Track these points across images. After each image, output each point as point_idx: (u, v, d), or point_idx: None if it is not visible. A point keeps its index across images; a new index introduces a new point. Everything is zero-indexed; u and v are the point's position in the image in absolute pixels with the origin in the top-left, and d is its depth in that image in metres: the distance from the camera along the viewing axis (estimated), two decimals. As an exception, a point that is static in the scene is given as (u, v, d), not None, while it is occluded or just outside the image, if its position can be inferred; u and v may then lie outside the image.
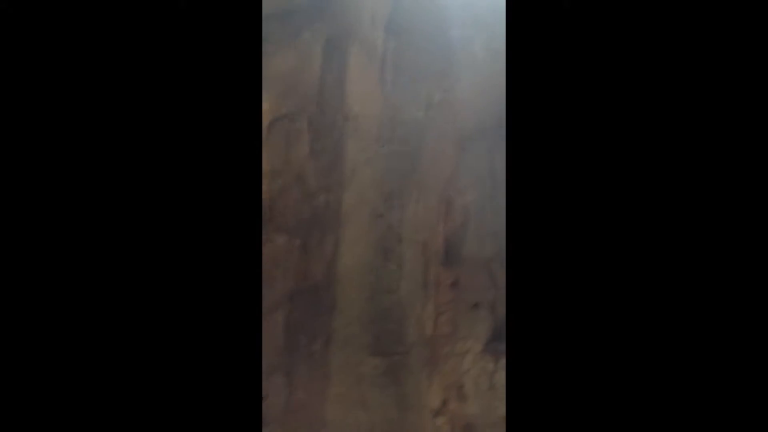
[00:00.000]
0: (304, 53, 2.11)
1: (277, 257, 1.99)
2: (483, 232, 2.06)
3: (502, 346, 1.92)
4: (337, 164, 2.06)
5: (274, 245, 1.99)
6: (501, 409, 1.91)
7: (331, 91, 2.09)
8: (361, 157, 2.07)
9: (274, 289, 1.96)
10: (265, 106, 2.07)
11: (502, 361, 1.96)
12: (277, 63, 2.10)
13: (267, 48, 2.09)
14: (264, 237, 1.98)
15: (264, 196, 2.01)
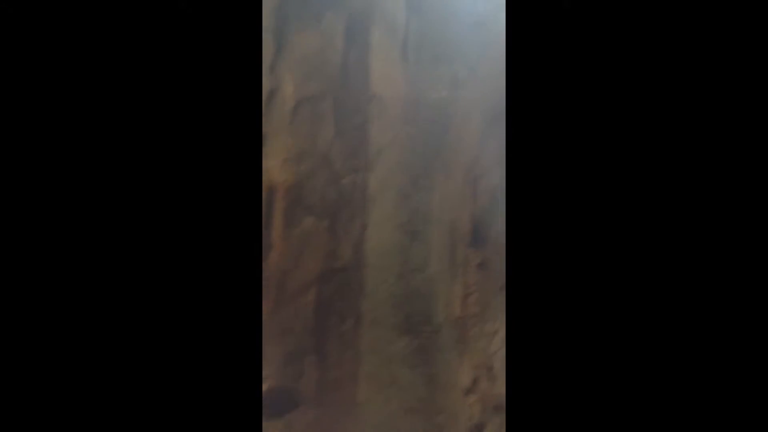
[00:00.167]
0: (327, 35, 2.10)
1: (305, 239, 2.01)
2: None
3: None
4: (363, 145, 2.06)
5: (302, 227, 2.01)
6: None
7: (354, 72, 2.08)
8: (386, 137, 2.07)
9: (303, 271, 1.99)
10: (289, 89, 2.08)
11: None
12: (301, 45, 2.10)
13: (289, 31, 2.09)
14: (293, 219, 2.00)
15: (291, 178, 2.03)
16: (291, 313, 1.96)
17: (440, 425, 1.98)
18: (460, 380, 2.03)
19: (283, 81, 2.09)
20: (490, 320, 2.02)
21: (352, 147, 2.06)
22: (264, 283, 1.95)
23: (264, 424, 1.86)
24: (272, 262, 1.98)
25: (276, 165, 2.03)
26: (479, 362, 2.03)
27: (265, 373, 1.90)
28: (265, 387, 1.89)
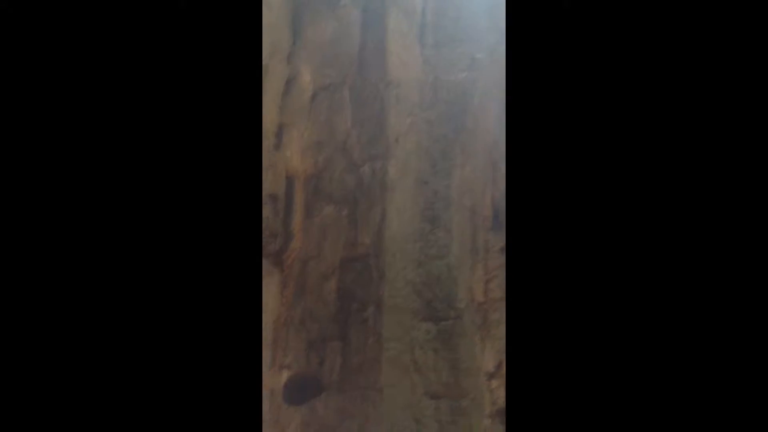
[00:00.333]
0: (343, 22, 2.09)
1: (326, 228, 2.03)
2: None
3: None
4: (381, 132, 2.06)
5: (322, 216, 2.03)
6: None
7: (371, 59, 2.07)
8: (405, 123, 2.05)
9: (323, 260, 2.01)
10: (306, 78, 2.08)
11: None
12: (317, 33, 2.09)
13: (306, 19, 2.09)
14: (312, 207, 2.03)
15: (310, 167, 2.05)
16: (313, 301, 1.99)
17: (464, 409, 1.99)
18: (483, 365, 2.03)
19: (300, 70, 2.10)
20: (513, 305, 2.01)
21: (371, 134, 2.06)
22: (285, 272, 1.99)
23: (288, 410, 1.91)
24: (293, 251, 2.01)
25: (295, 154, 2.05)
26: (503, 347, 2.02)
27: (288, 360, 1.95)
28: (288, 374, 1.94)
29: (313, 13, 2.10)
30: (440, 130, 2.05)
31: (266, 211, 2.02)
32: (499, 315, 2.00)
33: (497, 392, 2.03)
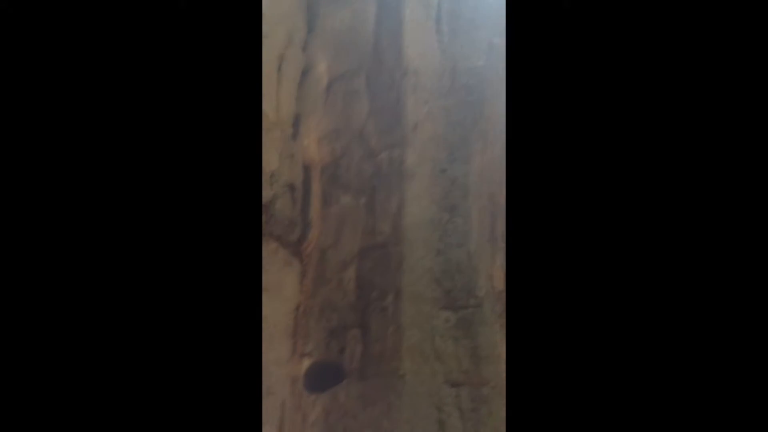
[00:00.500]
0: (359, 10, 2.08)
1: (344, 217, 2.03)
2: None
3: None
4: (398, 120, 2.05)
5: (340, 205, 2.03)
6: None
7: (387, 47, 2.06)
8: (422, 111, 2.04)
9: (342, 248, 2.01)
10: (322, 67, 2.08)
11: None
12: (333, 22, 2.09)
13: (321, 8, 2.08)
14: (330, 197, 2.03)
15: (327, 156, 2.05)
16: (332, 290, 2.00)
17: (485, 397, 1.99)
18: (504, 352, 2.02)
19: (316, 59, 2.09)
20: (533, 292, 2.00)
21: (388, 122, 2.05)
22: (304, 261, 2.00)
23: (310, 398, 1.92)
24: (312, 240, 2.01)
25: (312, 144, 2.05)
26: (523, 334, 2.02)
27: (308, 348, 1.96)
28: (309, 362, 1.95)
29: (328, 2, 2.09)
30: (457, 118, 2.04)
31: (284, 200, 2.03)
32: (519, 302, 1.99)
33: (518, 380, 2.02)
